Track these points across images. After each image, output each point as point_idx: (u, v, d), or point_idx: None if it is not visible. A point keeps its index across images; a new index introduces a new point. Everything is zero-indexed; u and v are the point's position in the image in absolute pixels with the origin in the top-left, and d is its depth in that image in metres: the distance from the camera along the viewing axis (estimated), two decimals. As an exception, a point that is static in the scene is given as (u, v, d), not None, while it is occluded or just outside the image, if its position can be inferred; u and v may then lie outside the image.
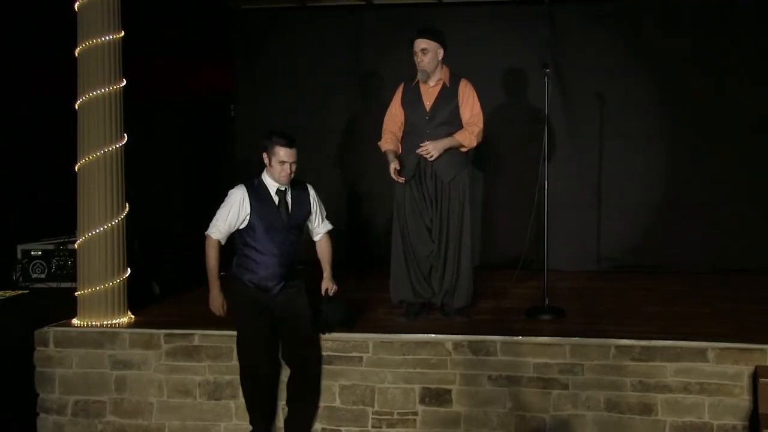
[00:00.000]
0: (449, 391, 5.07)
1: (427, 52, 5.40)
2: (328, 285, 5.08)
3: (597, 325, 5.42)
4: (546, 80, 5.65)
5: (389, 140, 5.57)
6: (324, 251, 5.16)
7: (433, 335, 5.14)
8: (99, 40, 5.38)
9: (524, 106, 7.54)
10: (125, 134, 5.55)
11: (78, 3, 5.42)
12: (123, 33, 5.50)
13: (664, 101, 7.62)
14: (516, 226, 7.45)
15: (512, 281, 6.72)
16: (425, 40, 5.40)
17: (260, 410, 5.05)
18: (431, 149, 5.39)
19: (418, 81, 5.53)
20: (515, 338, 5.05)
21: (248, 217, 4.86)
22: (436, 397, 5.08)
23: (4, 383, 5.33)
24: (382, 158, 5.61)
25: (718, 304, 6.11)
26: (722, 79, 7.51)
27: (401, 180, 5.46)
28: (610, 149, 7.64)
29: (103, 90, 5.41)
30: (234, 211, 4.85)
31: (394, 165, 5.43)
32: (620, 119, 7.59)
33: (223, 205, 4.89)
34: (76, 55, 5.46)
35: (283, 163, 4.80)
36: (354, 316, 5.37)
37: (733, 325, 5.40)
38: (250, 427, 5.08)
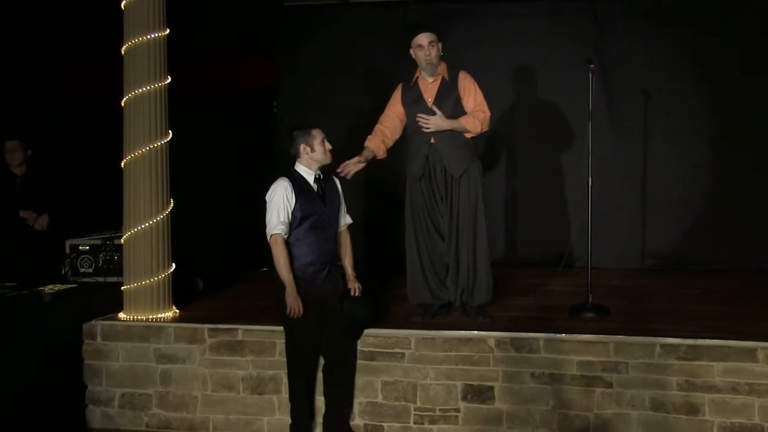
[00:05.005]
0: (492, 388, 5.05)
1: (434, 45, 5.36)
2: (353, 285, 5.11)
3: (641, 323, 5.35)
4: (590, 76, 5.59)
5: (373, 137, 5.54)
6: (346, 248, 5.18)
7: (475, 332, 5.12)
8: (145, 38, 5.46)
9: (566, 103, 7.44)
10: (170, 131, 5.62)
11: (124, 2, 5.51)
12: (168, 31, 5.57)
13: (709, 98, 7.48)
14: (556, 222, 7.41)
15: (555, 278, 6.68)
16: (431, 33, 5.36)
17: (306, 405, 5.08)
18: (431, 122, 5.30)
19: (417, 79, 5.46)
20: (558, 336, 5.01)
21: (293, 207, 4.89)
22: (479, 393, 5.07)
23: (56, 375, 5.42)
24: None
25: (765, 303, 5.98)
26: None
27: (342, 172, 5.29)
28: (655, 146, 7.53)
29: (148, 87, 5.48)
30: (284, 202, 4.85)
31: (356, 159, 5.37)
32: (665, 116, 7.48)
33: (270, 202, 4.89)
34: (123, 53, 5.54)
35: (323, 142, 4.98)
36: (378, 316, 5.30)
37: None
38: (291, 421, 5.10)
